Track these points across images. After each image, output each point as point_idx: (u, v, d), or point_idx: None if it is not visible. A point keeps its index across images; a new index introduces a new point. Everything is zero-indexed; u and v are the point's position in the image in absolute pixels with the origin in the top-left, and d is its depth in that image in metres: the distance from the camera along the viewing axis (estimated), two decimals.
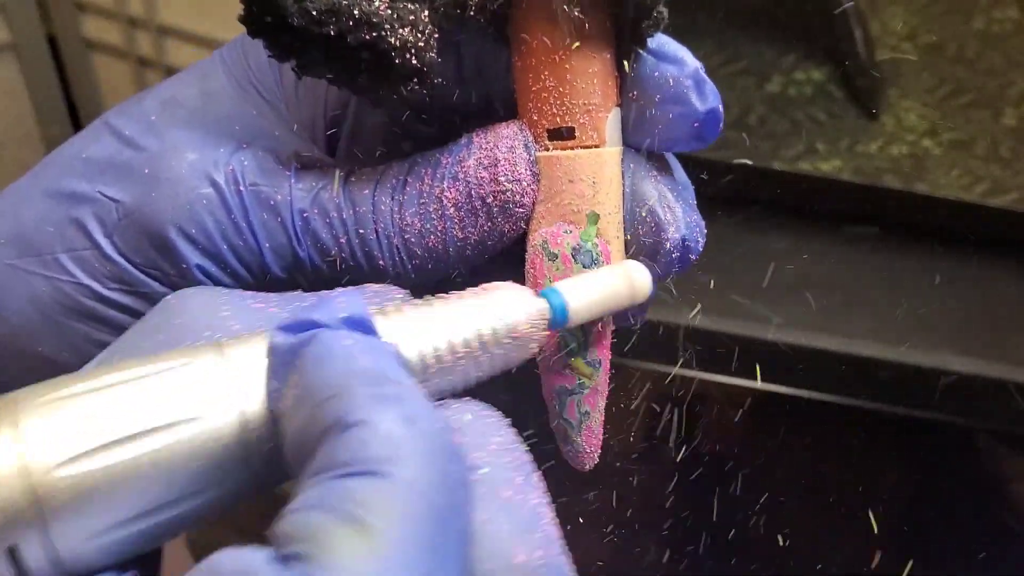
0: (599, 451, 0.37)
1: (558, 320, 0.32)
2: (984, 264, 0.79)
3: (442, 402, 0.29)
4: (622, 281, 0.33)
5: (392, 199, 0.34)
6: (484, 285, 0.32)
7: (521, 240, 0.35)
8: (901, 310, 0.76)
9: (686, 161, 0.37)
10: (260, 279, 0.34)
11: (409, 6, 0.30)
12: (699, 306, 0.74)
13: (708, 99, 0.33)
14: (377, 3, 0.30)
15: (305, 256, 0.34)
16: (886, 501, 0.88)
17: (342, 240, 0.34)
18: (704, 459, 0.89)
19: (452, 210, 0.34)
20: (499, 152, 0.33)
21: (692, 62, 0.33)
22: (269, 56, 0.32)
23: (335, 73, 0.32)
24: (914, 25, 0.95)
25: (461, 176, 0.34)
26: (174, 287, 0.33)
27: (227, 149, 0.34)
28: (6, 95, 1.41)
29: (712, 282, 0.77)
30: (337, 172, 0.34)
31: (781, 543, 0.76)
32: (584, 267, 0.34)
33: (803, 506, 0.87)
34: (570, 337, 0.35)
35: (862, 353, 0.74)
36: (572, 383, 0.36)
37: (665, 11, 0.33)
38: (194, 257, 0.33)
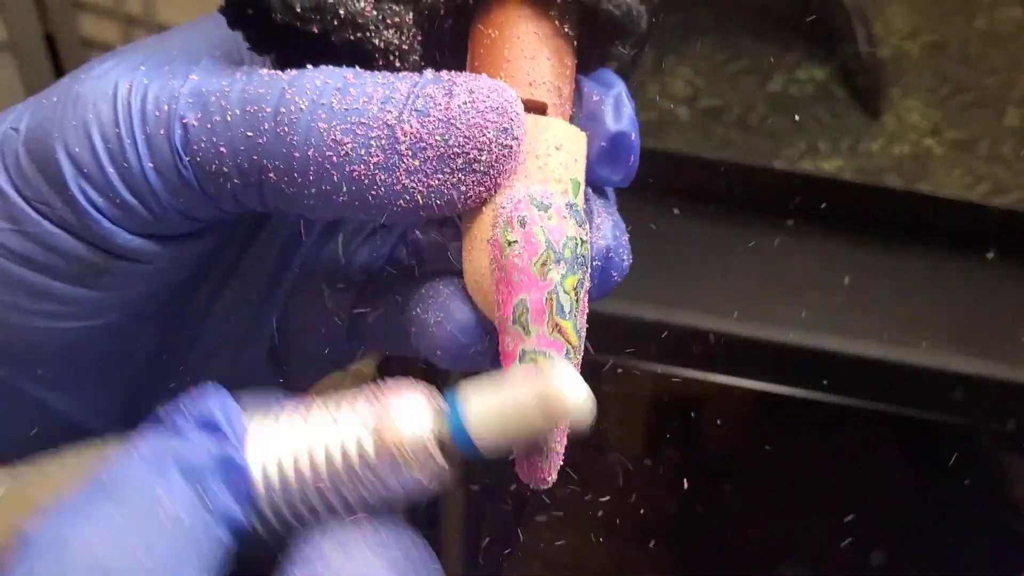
0: (561, 462, 0.29)
1: (461, 446, 0.26)
2: (986, 264, 0.78)
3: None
4: (538, 401, 0.25)
5: (314, 102, 0.28)
6: (386, 384, 0.27)
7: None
8: (901, 310, 0.76)
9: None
10: (158, 215, 0.30)
11: (394, 7, 0.30)
12: (700, 306, 0.74)
13: (622, 122, 0.32)
14: (363, 3, 0.29)
15: (190, 176, 0.29)
16: (886, 501, 0.88)
17: (223, 149, 0.28)
18: (703, 459, 0.89)
19: (406, 147, 0.28)
20: (500, 99, 0.28)
21: (618, 85, 0.33)
22: (248, 48, 0.30)
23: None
24: (916, 24, 0.94)
25: (437, 115, 0.28)
26: (64, 227, 0.30)
27: (142, 68, 0.30)
28: (3, 94, 1.41)
29: (712, 282, 0.77)
30: (240, 73, 0.29)
31: (780, 543, 0.76)
32: (578, 224, 0.29)
33: (803, 506, 0.87)
34: (563, 296, 0.28)
35: (862, 353, 0.73)
36: (560, 350, 0.28)
37: (634, 51, 0.32)
38: (80, 184, 0.29)
